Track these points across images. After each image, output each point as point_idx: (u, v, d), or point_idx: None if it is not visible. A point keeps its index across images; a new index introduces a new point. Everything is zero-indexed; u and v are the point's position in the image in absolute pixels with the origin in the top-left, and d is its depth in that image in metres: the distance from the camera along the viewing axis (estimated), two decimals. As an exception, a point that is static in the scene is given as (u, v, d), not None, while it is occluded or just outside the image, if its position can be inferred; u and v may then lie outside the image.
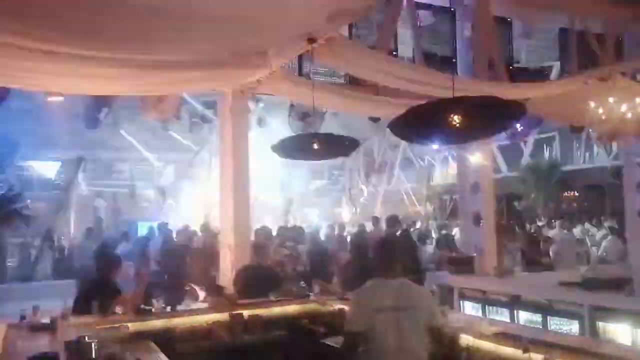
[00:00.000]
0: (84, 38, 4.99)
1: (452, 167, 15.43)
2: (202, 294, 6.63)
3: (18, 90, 8.56)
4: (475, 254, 8.35)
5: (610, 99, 7.32)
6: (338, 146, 6.91)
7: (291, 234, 11.60)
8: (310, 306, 6.45)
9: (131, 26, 4.96)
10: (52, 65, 5.69)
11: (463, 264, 8.20)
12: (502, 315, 6.76)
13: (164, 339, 5.12)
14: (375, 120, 9.55)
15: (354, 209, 20.73)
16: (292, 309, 6.27)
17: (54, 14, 4.36)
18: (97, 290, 5.76)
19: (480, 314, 7.03)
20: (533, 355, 3.88)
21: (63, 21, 4.52)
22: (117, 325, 5.11)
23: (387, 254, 3.84)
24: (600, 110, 7.35)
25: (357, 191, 21.42)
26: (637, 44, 8.82)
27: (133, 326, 5.21)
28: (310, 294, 6.79)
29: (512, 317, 6.59)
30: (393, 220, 9.44)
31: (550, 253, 10.21)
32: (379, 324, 3.48)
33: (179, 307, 5.94)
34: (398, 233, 9.82)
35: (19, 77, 6.06)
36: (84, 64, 5.66)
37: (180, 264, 8.80)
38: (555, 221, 13.14)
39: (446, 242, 11.82)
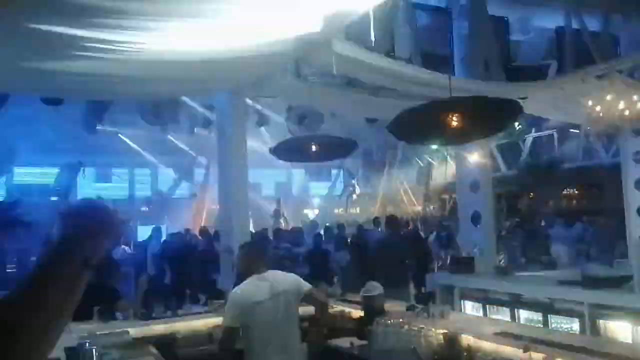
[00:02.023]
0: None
1: (451, 167, 15.42)
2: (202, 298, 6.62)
3: (15, 96, 8.58)
4: (475, 254, 8.36)
5: (608, 97, 7.32)
6: (336, 148, 6.93)
7: (288, 237, 11.60)
8: (310, 309, 6.42)
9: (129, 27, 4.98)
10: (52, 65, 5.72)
11: (463, 264, 8.20)
12: (503, 315, 6.76)
13: (165, 344, 5.12)
14: (372, 121, 9.54)
15: (354, 209, 20.71)
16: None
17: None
18: (97, 295, 5.75)
19: (481, 313, 7.03)
20: (534, 354, 3.88)
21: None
22: (117, 330, 5.10)
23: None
24: (598, 108, 7.36)
25: (356, 191, 21.41)
26: (633, 42, 8.83)
27: (133, 331, 5.19)
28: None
29: (512, 316, 6.60)
30: (393, 221, 9.42)
31: (550, 251, 10.21)
32: (256, 316, 3.77)
33: (180, 312, 5.93)
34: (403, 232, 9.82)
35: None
36: (83, 64, 5.69)
37: (181, 268, 8.79)
38: (555, 219, 13.15)
39: (446, 241, 11.82)
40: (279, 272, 4.13)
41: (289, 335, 3.89)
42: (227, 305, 4.03)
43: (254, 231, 10.91)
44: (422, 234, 12.08)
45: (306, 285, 4.12)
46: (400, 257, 7.98)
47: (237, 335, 3.83)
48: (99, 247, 1.19)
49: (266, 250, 4.33)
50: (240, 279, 5.90)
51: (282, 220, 17.06)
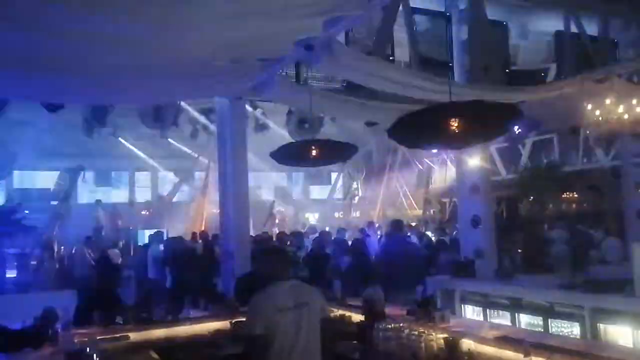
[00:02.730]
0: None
1: (451, 170, 15.42)
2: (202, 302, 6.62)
3: (16, 101, 8.61)
4: (475, 257, 8.36)
5: (607, 101, 7.35)
6: (336, 152, 6.92)
7: (290, 239, 11.60)
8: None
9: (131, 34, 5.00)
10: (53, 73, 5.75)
11: (463, 267, 8.20)
12: (503, 318, 6.76)
13: (165, 349, 5.11)
14: (371, 125, 9.56)
15: (354, 213, 20.72)
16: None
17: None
18: (97, 300, 5.76)
19: (481, 317, 7.03)
20: (534, 359, 3.88)
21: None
22: (118, 335, 5.11)
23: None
24: (597, 112, 7.38)
25: (356, 195, 21.42)
26: (632, 46, 8.86)
27: (134, 336, 5.20)
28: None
29: (513, 320, 6.59)
30: (397, 225, 9.41)
31: (551, 255, 10.19)
32: (280, 324, 3.57)
33: (180, 316, 5.93)
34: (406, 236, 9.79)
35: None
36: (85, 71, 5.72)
37: (181, 273, 8.79)
38: (555, 223, 13.12)
39: (446, 245, 11.80)
40: (302, 283, 3.93)
41: (311, 348, 3.66)
42: (249, 312, 3.81)
43: (253, 235, 10.92)
44: (427, 236, 12.05)
45: (327, 312, 3.96)
46: (403, 261, 7.97)
47: (264, 342, 3.56)
48: None
49: (289, 256, 4.13)
50: (246, 283, 5.90)
51: (276, 222, 17.06)
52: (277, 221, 17.18)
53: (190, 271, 8.59)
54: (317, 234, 11.70)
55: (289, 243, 10.60)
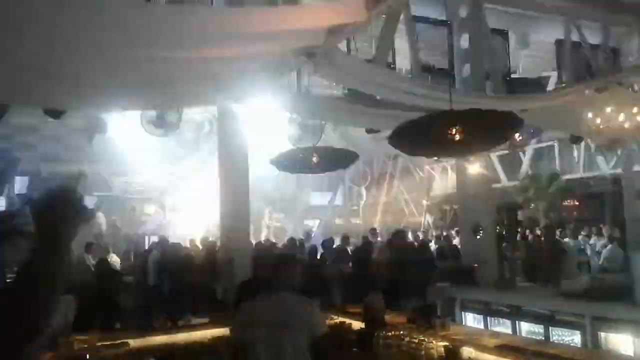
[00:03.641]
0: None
1: (452, 177, 15.43)
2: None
3: (17, 106, 8.62)
4: (476, 265, 8.34)
5: (608, 109, 7.36)
6: (337, 159, 6.94)
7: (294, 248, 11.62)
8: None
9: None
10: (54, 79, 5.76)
11: (464, 275, 8.19)
12: (504, 326, 6.74)
13: (165, 355, 5.11)
14: (372, 132, 9.57)
15: (355, 219, 20.74)
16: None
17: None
18: (97, 306, 5.74)
19: (482, 325, 7.01)
20: (535, 367, 3.88)
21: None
22: (117, 342, 5.10)
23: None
24: (598, 121, 7.39)
25: (357, 202, 21.44)
26: (633, 54, 8.87)
27: (134, 342, 5.19)
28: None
29: (514, 328, 6.57)
30: (400, 234, 9.44)
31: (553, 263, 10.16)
32: (253, 339, 3.41)
33: (180, 323, 5.92)
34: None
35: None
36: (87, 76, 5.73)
37: (181, 279, 8.77)
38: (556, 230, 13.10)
39: (447, 252, 11.79)
40: (295, 298, 3.60)
41: None
42: (234, 319, 3.79)
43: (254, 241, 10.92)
44: (429, 244, 12.03)
45: (320, 329, 3.57)
46: (404, 269, 7.97)
47: (237, 352, 3.54)
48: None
49: (296, 269, 3.90)
50: (246, 289, 5.88)
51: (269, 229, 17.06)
52: (270, 232, 17.16)
53: (189, 277, 8.58)
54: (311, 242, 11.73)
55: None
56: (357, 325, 5.64)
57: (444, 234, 14.73)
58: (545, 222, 14.39)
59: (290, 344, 3.39)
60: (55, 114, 7.32)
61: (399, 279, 7.70)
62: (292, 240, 11.55)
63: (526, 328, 6.46)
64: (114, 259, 10.95)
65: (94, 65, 5.50)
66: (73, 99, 6.88)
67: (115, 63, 5.49)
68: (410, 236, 13.24)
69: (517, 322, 6.57)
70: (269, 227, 17.57)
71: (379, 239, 12.61)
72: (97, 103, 7.82)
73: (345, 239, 11.84)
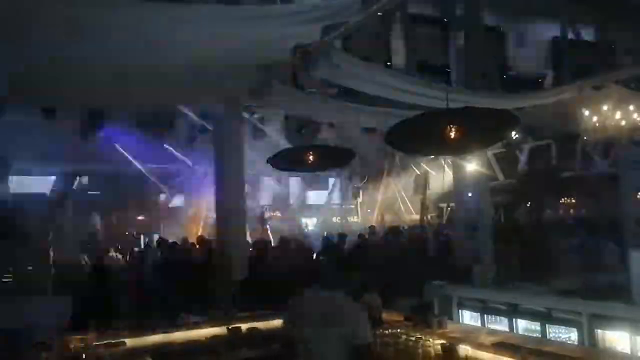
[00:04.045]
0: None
1: (449, 175, 15.44)
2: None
3: (12, 105, 8.59)
4: (473, 263, 8.34)
5: (604, 107, 7.37)
6: (334, 157, 6.94)
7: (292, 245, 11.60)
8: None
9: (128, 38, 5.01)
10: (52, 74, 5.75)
11: (461, 273, 8.18)
12: (501, 324, 6.74)
13: (162, 354, 5.08)
14: (369, 130, 9.57)
15: (351, 218, 20.73)
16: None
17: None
18: (93, 306, 5.74)
19: (479, 323, 7.01)
20: (532, 365, 3.87)
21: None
22: (114, 341, 5.07)
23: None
24: (595, 119, 7.40)
25: (353, 200, 21.41)
26: (630, 52, 8.88)
27: (130, 342, 5.17)
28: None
29: (510, 326, 6.57)
30: (395, 231, 9.43)
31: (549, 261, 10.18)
32: (299, 331, 3.42)
33: (177, 322, 5.90)
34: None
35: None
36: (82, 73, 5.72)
37: (178, 278, 8.75)
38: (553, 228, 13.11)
39: (444, 250, 11.80)
40: (343, 298, 3.52)
41: None
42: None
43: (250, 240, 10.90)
44: (425, 242, 12.03)
45: (362, 336, 3.39)
46: (401, 267, 7.98)
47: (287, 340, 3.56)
48: None
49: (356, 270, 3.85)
50: (243, 288, 5.87)
51: (267, 227, 16.99)
52: (268, 230, 17.10)
53: (187, 276, 8.56)
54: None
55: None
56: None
57: (445, 232, 14.73)
58: (535, 220, 14.44)
59: (329, 345, 3.33)
60: (50, 112, 7.30)
61: (396, 276, 7.70)
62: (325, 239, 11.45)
63: (523, 326, 6.45)
64: (112, 258, 10.92)
65: (90, 64, 5.50)
66: (67, 97, 6.86)
67: (109, 61, 5.48)
68: (407, 234, 13.23)
69: (514, 319, 6.56)
70: (268, 225, 17.50)
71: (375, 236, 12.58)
72: (93, 101, 7.81)
73: (342, 236, 11.83)
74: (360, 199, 21.29)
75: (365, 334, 3.43)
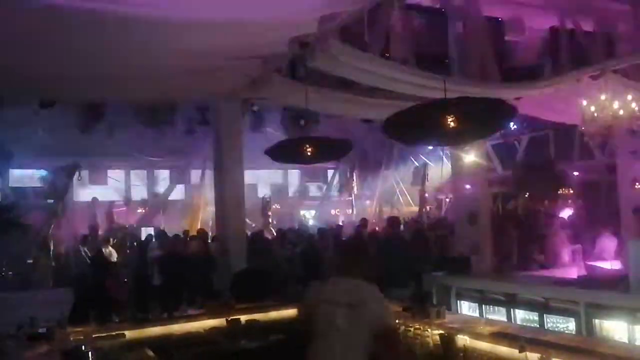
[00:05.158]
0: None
1: (447, 166, 15.44)
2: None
3: (10, 99, 8.58)
4: (471, 253, 8.36)
5: (602, 97, 7.35)
6: (331, 149, 6.93)
7: (291, 237, 11.63)
8: (307, 310, 6.42)
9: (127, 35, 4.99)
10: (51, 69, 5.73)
11: (459, 264, 8.20)
12: (499, 314, 6.77)
13: (161, 346, 5.10)
14: (367, 121, 9.56)
15: (350, 210, 20.74)
16: (289, 313, 6.24)
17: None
18: (93, 298, 5.75)
19: (477, 313, 7.04)
20: (529, 354, 3.89)
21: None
22: (113, 333, 5.10)
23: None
24: (592, 108, 7.38)
25: (352, 192, 21.43)
26: (628, 41, 8.86)
27: (130, 334, 5.19)
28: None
29: (509, 316, 6.60)
30: (394, 222, 9.40)
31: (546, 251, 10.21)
32: (327, 317, 3.44)
33: (176, 314, 5.92)
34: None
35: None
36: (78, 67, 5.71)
37: (177, 270, 8.77)
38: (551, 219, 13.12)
39: (442, 241, 11.81)
40: (362, 283, 3.55)
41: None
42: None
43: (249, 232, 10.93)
44: (423, 233, 12.04)
45: (383, 320, 3.45)
46: (400, 258, 7.99)
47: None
48: None
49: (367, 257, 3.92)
50: (242, 280, 5.89)
51: (270, 219, 17.03)
52: (271, 219, 17.14)
53: (186, 269, 8.58)
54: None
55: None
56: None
57: (443, 223, 14.75)
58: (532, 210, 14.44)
59: (357, 324, 3.37)
60: (47, 104, 7.29)
61: (394, 267, 7.71)
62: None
63: (521, 316, 6.49)
64: (110, 251, 10.93)
65: (87, 58, 5.48)
66: (66, 91, 6.85)
67: (108, 55, 5.47)
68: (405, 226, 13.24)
69: (512, 309, 6.59)
70: (270, 217, 17.52)
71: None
72: (91, 94, 7.80)
73: (339, 228, 11.85)
74: (358, 191, 21.30)
75: (391, 318, 3.63)
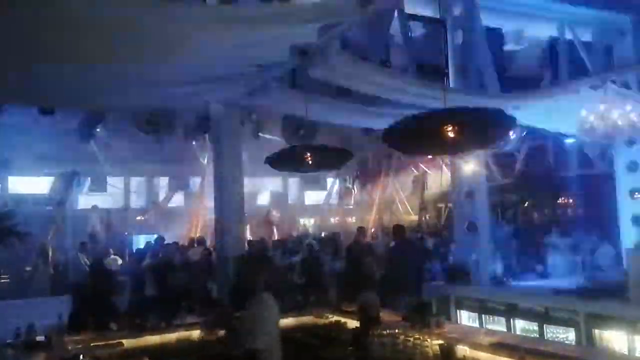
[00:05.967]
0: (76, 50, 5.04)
1: (447, 175, 15.43)
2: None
3: (9, 106, 8.59)
4: (471, 263, 8.35)
5: (601, 107, 7.37)
6: (331, 158, 6.93)
7: (290, 246, 11.61)
8: (305, 319, 6.42)
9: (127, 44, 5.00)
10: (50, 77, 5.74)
11: (459, 273, 8.20)
12: (499, 324, 6.76)
13: (159, 355, 5.09)
14: (367, 130, 9.56)
15: (350, 218, 20.70)
16: (286, 322, 6.22)
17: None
18: (91, 306, 5.73)
19: (477, 323, 7.03)
20: (529, 365, 3.88)
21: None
22: (112, 341, 5.08)
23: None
24: (591, 118, 7.40)
25: (351, 200, 21.39)
26: (627, 52, 8.90)
27: (128, 342, 5.17)
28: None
29: (508, 326, 6.59)
30: (399, 230, 9.37)
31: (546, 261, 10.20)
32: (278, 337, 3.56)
33: (174, 322, 5.90)
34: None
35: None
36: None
37: (176, 278, 8.75)
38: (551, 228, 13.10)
39: (442, 250, 11.80)
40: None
41: None
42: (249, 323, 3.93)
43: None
44: (423, 242, 12.03)
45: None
46: (400, 267, 7.97)
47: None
48: None
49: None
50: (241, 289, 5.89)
51: (274, 228, 17.01)
52: (274, 229, 17.13)
53: (184, 277, 8.56)
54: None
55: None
56: (352, 324, 5.64)
57: (442, 232, 14.74)
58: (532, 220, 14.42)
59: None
60: (46, 111, 7.30)
61: (394, 276, 7.69)
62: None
63: (521, 326, 6.48)
64: (112, 259, 10.93)
65: (87, 66, 5.49)
66: (66, 98, 6.86)
67: (108, 63, 5.48)
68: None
69: (511, 319, 6.58)
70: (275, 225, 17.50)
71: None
72: (91, 102, 7.81)
73: (337, 235, 11.82)
74: (357, 200, 21.28)
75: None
